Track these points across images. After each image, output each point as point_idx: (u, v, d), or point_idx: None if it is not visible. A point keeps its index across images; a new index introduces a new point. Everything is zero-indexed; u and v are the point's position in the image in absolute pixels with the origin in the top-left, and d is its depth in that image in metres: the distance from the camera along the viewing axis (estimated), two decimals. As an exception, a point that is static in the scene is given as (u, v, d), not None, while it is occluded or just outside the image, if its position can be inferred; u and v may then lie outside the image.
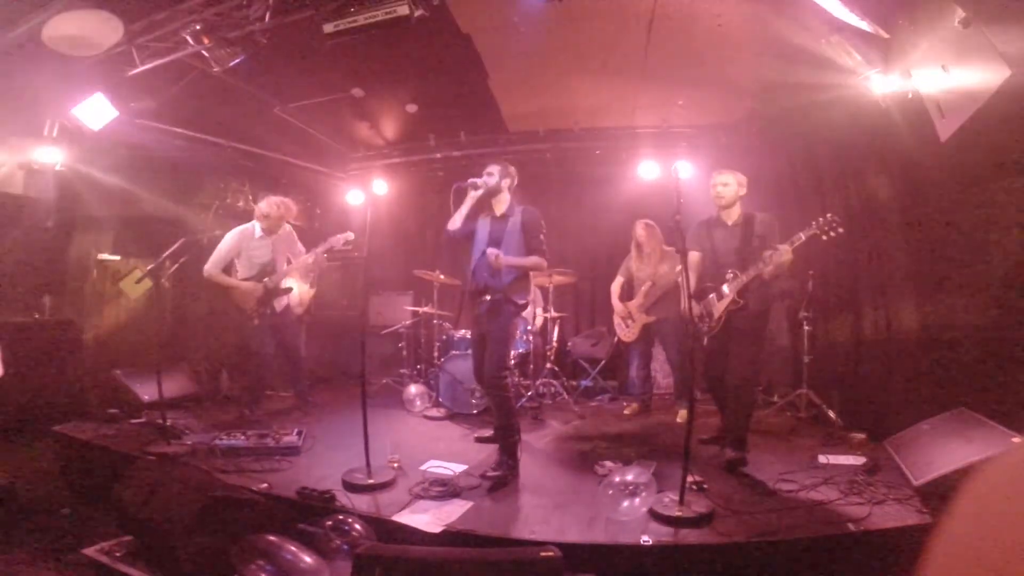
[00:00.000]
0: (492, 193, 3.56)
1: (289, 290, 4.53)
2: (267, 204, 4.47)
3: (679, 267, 4.74)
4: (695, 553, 2.38)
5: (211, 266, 4.41)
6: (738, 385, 3.43)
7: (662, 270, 4.81)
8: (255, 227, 4.49)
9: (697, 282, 3.60)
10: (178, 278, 5.15)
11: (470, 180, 3.54)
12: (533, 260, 3.49)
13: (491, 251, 3.34)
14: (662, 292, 4.70)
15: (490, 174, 3.55)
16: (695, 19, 3.87)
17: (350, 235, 4.52)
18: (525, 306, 3.50)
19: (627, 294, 5.04)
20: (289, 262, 4.56)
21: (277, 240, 4.53)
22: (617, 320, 5.06)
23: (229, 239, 4.45)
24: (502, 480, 3.14)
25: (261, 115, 5.33)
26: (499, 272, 3.38)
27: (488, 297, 3.43)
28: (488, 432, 4.04)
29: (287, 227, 4.67)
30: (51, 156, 4.47)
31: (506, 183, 3.58)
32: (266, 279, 4.42)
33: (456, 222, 3.56)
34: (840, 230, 3.19)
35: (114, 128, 4.31)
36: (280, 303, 4.50)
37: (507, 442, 3.34)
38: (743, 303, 3.40)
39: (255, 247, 4.48)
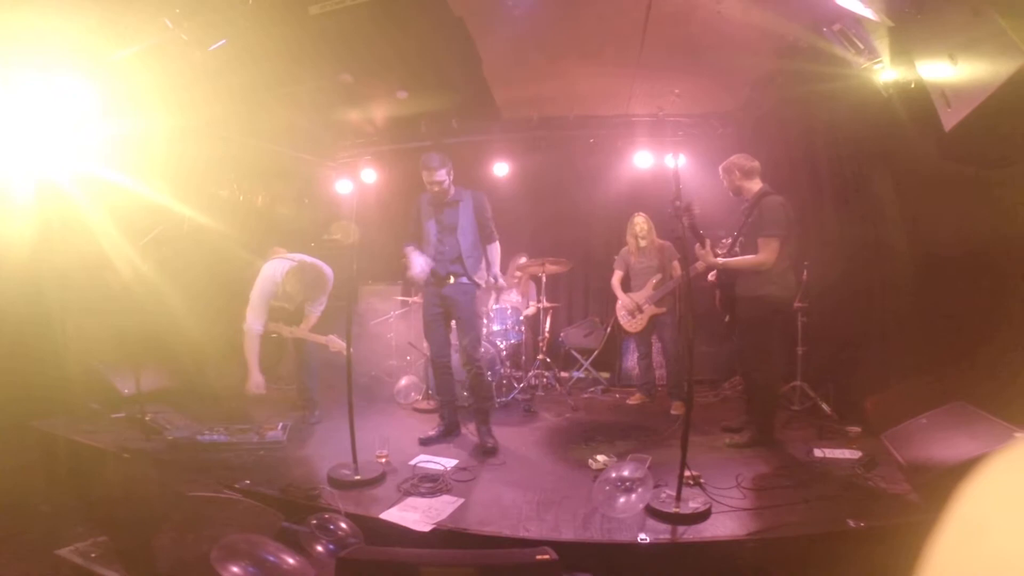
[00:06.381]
0: (447, 191, 3.72)
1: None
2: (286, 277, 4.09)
3: (676, 260, 4.73)
4: (693, 551, 2.33)
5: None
6: (754, 382, 3.65)
7: (655, 263, 4.80)
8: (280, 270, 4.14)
9: None
10: (160, 267, 5.03)
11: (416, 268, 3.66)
12: (494, 254, 3.88)
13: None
14: (675, 284, 4.63)
15: (441, 181, 3.63)
16: (694, 6, 3.78)
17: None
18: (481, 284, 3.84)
19: (624, 287, 4.99)
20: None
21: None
22: (622, 313, 4.96)
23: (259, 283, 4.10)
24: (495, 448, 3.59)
25: (246, 102, 5.17)
26: (460, 258, 3.70)
27: (453, 280, 3.73)
28: (432, 432, 3.85)
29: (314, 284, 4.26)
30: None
31: (451, 176, 3.72)
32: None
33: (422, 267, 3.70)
34: None
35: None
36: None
37: (486, 412, 3.76)
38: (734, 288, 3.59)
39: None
